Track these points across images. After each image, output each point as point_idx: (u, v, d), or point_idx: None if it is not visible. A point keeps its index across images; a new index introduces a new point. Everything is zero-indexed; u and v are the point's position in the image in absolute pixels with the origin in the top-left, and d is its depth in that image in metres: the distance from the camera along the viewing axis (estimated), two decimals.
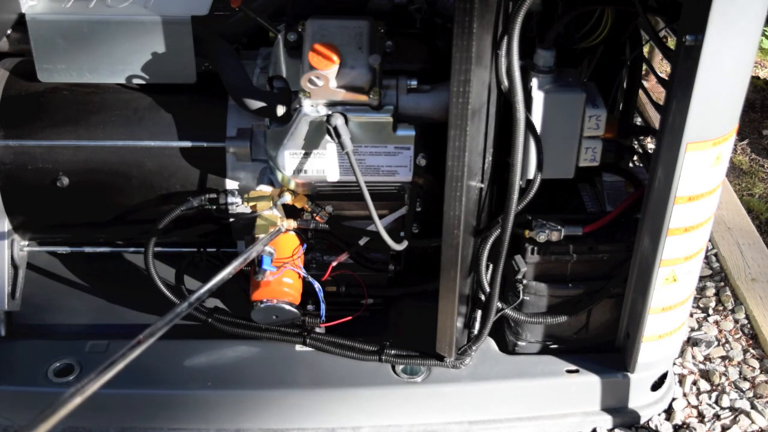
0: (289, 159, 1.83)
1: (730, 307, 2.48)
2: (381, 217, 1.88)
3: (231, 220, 2.04)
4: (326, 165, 1.84)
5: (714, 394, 2.18)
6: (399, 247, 1.85)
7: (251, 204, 1.91)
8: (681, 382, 2.21)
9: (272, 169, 1.92)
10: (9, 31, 1.97)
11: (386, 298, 2.18)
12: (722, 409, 2.14)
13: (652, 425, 2.06)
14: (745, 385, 2.21)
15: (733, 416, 2.11)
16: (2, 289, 2.07)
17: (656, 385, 2.07)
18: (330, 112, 1.75)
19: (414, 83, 1.79)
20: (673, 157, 1.59)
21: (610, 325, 2.00)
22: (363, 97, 1.75)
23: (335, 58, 1.69)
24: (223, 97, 1.95)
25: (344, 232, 1.99)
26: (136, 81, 1.95)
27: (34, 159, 1.96)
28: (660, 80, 1.77)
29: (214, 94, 1.96)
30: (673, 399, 2.13)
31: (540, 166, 1.75)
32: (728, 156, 1.67)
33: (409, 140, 1.82)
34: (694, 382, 2.22)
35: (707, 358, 2.31)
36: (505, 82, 1.62)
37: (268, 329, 1.99)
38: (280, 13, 1.93)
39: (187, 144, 1.97)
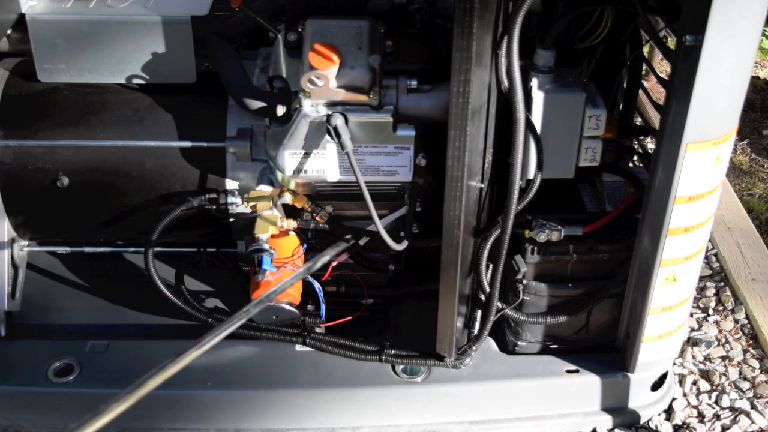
0: (289, 159, 1.83)
1: (730, 307, 2.48)
2: (381, 217, 1.88)
3: (231, 220, 2.04)
4: (326, 165, 1.84)
5: (714, 394, 2.18)
6: (399, 247, 1.85)
7: (251, 204, 1.91)
8: (681, 382, 2.21)
9: (272, 169, 1.92)
10: (9, 31, 1.97)
11: (386, 298, 2.18)
12: (722, 409, 2.13)
13: (652, 425, 2.06)
14: (745, 385, 2.21)
15: (733, 416, 2.11)
16: (2, 289, 2.07)
17: (656, 385, 2.07)
18: (330, 112, 1.75)
19: (414, 83, 1.79)
20: (673, 157, 1.59)
21: (610, 325, 2.00)
22: (363, 97, 1.75)
23: (335, 58, 1.69)
24: (223, 97, 1.95)
25: (344, 232, 1.99)
26: (136, 81, 1.95)
27: (34, 159, 1.96)
28: (660, 80, 1.77)
29: (214, 94, 1.95)
30: (673, 399, 2.13)
31: (540, 166, 1.75)
32: (728, 156, 1.66)
33: (409, 140, 1.82)
34: (694, 382, 2.22)
35: (707, 358, 2.31)
36: (505, 82, 1.62)
37: (268, 329, 1.99)
38: (280, 13, 1.93)
39: (187, 144, 1.97)
